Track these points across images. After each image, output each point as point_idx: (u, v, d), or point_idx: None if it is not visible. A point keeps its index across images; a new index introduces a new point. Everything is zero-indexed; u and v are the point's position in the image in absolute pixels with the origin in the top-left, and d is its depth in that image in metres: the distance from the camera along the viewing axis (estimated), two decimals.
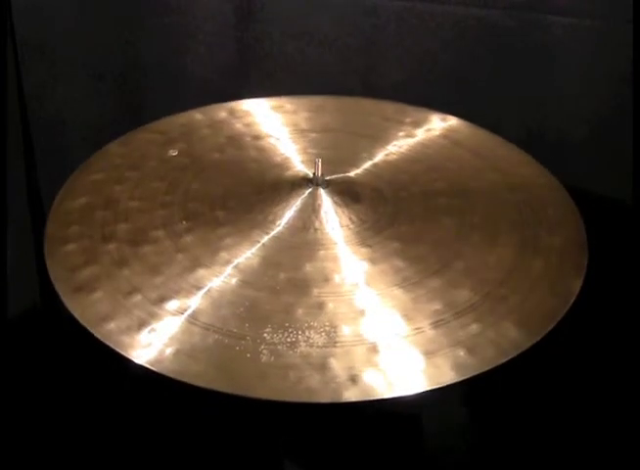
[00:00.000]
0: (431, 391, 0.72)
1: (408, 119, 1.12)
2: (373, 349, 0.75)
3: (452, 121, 1.13)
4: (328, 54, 1.33)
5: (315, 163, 0.95)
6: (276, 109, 1.16)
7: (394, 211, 0.94)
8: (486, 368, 0.74)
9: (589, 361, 1.21)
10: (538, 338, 0.78)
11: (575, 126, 1.27)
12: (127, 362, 0.74)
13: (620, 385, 1.16)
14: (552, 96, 1.27)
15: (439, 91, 1.31)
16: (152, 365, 0.73)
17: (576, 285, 0.84)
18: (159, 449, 1.15)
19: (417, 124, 1.11)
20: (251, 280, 0.83)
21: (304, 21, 1.32)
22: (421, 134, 1.10)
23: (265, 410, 0.97)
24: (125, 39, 1.38)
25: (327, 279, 0.83)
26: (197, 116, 1.14)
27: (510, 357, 0.75)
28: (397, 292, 0.82)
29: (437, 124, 1.12)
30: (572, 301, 0.83)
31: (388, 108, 1.15)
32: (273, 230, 0.90)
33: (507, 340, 0.77)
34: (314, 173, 0.95)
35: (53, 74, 1.42)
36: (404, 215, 0.94)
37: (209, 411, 1.06)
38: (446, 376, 0.73)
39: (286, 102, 1.17)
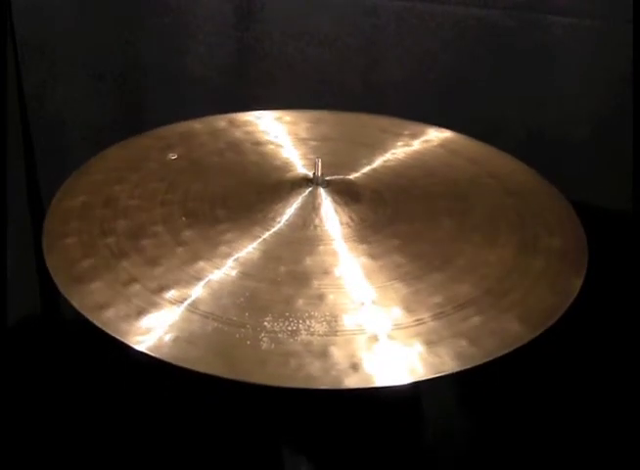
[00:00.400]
0: (431, 380, 0.72)
1: (405, 132, 1.13)
2: (374, 338, 0.75)
3: (448, 134, 1.13)
4: (328, 54, 1.33)
5: (315, 163, 0.95)
6: (276, 120, 1.16)
7: (394, 212, 0.95)
8: (488, 359, 0.74)
9: (588, 357, 1.21)
10: (540, 331, 0.78)
11: (575, 126, 1.27)
12: (127, 351, 0.74)
13: (617, 376, 1.16)
14: (552, 96, 1.27)
15: (439, 91, 1.31)
16: (151, 351, 0.73)
17: (577, 284, 0.84)
18: (160, 440, 1.15)
19: (414, 136, 1.12)
20: (251, 272, 0.83)
21: (304, 21, 1.32)
22: (418, 144, 1.10)
23: (265, 398, 0.97)
24: (125, 39, 1.38)
25: (327, 272, 0.83)
26: (196, 125, 1.14)
27: (512, 349, 0.75)
28: (398, 285, 0.82)
29: (434, 136, 1.13)
30: (573, 298, 0.82)
31: (386, 122, 1.16)
32: (273, 227, 0.90)
33: (509, 332, 0.77)
34: (314, 173, 0.95)
35: (53, 74, 1.41)
36: (404, 216, 0.94)
37: (210, 399, 1.05)
38: (447, 365, 0.73)
39: (285, 114, 1.17)
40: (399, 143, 1.10)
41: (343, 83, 1.35)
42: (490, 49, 1.27)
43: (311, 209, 0.92)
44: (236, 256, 0.85)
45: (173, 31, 1.36)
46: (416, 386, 0.72)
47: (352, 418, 1.06)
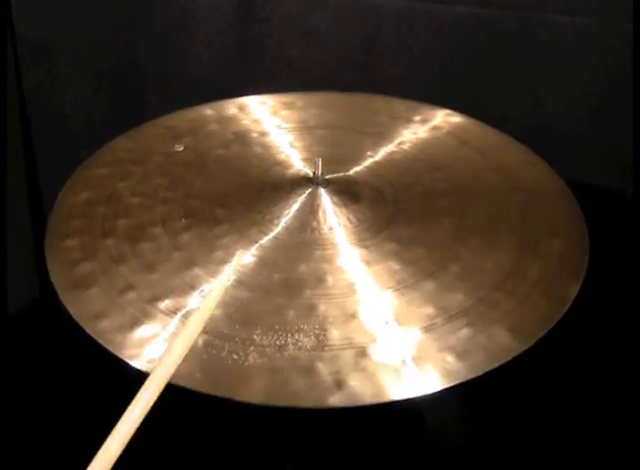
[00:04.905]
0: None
1: (417, 117, 1.11)
2: (361, 353, 0.74)
3: (459, 119, 1.12)
4: (328, 53, 1.33)
5: (315, 162, 0.94)
6: (286, 105, 1.15)
7: (394, 212, 0.93)
8: (475, 375, 0.73)
9: (586, 366, 1.20)
10: (530, 344, 0.76)
11: (575, 126, 1.27)
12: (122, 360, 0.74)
13: (617, 389, 1.15)
14: (552, 96, 1.27)
15: (439, 91, 1.31)
16: (143, 367, 0.73)
17: (573, 290, 0.82)
18: (153, 449, 1.15)
19: (425, 122, 1.10)
20: (244, 280, 0.82)
21: (304, 20, 1.32)
22: (428, 133, 1.08)
23: (258, 413, 0.96)
24: (125, 39, 1.39)
25: (320, 281, 0.83)
26: (206, 111, 1.13)
27: (500, 363, 0.74)
28: (390, 295, 0.81)
29: (445, 122, 1.11)
30: (568, 307, 0.81)
31: (399, 105, 1.14)
32: (271, 230, 0.89)
33: (497, 345, 0.76)
34: (314, 173, 0.95)
35: (53, 74, 1.42)
36: (404, 216, 0.93)
37: (207, 413, 1.05)
38: (434, 382, 0.72)
39: (296, 98, 1.16)
40: (408, 131, 1.08)
41: (343, 83, 1.35)
42: (490, 49, 1.27)
43: (310, 211, 0.91)
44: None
45: (173, 31, 1.37)
46: (405, 402, 0.71)
47: (341, 435, 1.06)
